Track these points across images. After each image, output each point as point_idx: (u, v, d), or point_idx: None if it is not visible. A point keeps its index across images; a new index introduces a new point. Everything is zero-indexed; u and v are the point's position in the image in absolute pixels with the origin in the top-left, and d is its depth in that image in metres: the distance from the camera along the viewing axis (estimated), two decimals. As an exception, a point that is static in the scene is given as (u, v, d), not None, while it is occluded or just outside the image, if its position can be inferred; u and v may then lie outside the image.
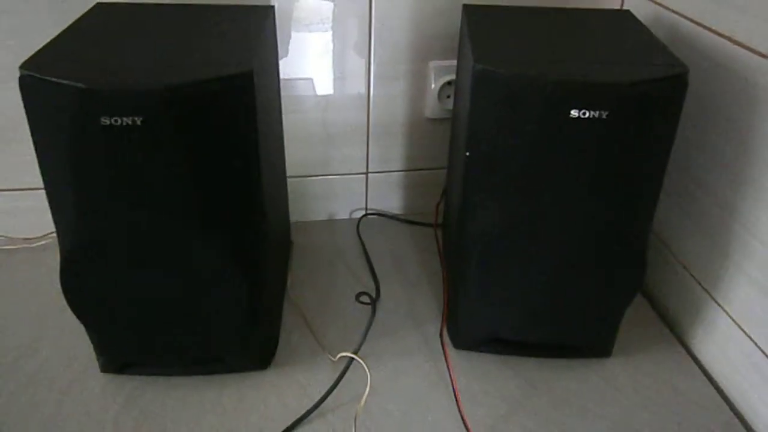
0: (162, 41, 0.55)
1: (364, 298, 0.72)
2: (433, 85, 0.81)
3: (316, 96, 0.80)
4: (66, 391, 0.62)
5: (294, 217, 0.86)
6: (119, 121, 0.47)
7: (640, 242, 0.57)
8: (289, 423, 0.59)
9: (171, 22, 0.60)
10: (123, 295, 0.56)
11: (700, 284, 0.69)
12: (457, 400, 0.60)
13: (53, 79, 0.46)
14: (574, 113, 0.50)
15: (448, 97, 0.82)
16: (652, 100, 0.51)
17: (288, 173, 0.81)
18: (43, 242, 0.82)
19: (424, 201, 0.91)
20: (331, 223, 0.90)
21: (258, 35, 0.57)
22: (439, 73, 0.80)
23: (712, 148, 0.65)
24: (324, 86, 0.80)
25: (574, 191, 0.54)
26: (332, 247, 0.85)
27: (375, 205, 0.91)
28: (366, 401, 0.60)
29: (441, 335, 0.69)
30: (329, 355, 0.66)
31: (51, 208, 0.52)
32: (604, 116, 0.50)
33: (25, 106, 0.48)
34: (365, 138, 0.84)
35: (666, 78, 0.51)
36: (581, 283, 0.60)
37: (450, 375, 0.63)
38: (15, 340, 0.67)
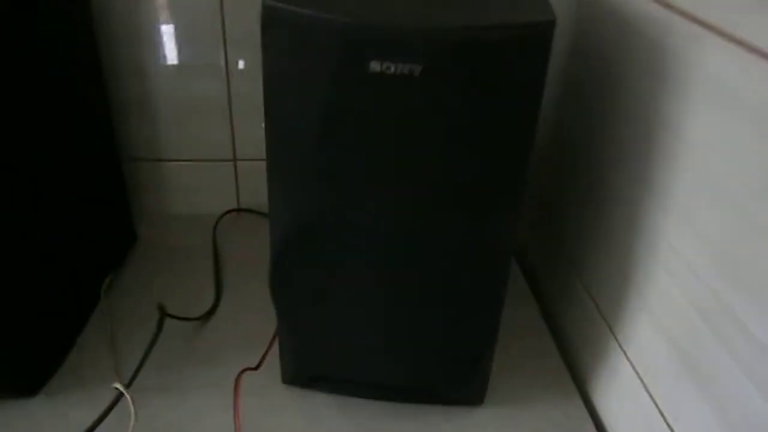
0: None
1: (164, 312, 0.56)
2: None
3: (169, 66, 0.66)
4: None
5: (147, 209, 0.72)
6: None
7: (495, 261, 0.42)
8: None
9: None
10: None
11: (603, 318, 0.53)
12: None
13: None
14: (374, 66, 0.35)
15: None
16: (488, 53, 0.36)
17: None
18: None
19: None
20: (190, 219, 0.75)
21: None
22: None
23: (617, 139, 0.50)
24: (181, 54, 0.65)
25: (391, 177, 0.39)
26: (183, 247, 0.70)
27: (246, 200, 0.76)
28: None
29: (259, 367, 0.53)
30: (118, 383, 0.51)
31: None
32: (416, 72, 0.35)
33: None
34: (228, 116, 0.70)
35: (507, 26, 0.36)
36: (420, 312, 0.44)
37: (235, 417, 0.47)
38: None
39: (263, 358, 0.53)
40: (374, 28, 0.35)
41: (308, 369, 0.51)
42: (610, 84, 0.52)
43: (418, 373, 0.49)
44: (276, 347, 0.51)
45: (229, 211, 0.75)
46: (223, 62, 0.66)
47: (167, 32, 0.65)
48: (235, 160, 0.73)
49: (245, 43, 0.66)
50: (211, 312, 0.60)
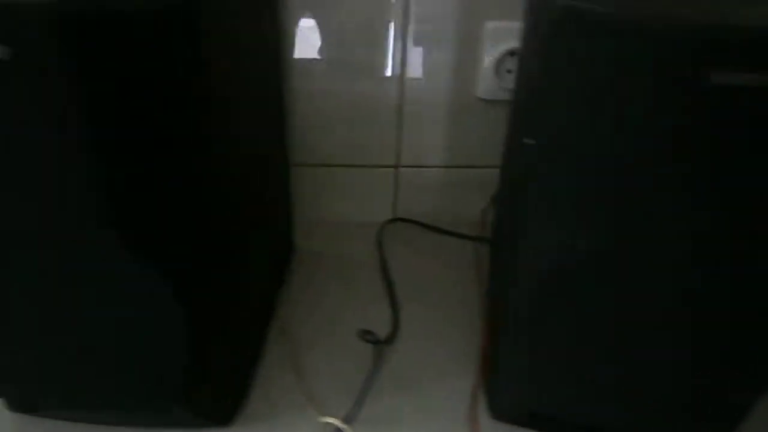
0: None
1: (371, 337, 0.52)
2: (488, 55, 0.61)
3: (332, 62, 0.61)
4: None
5: (301, 216, 0.68)
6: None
7: None
8: None
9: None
10: (23, 322, 0.39)
11: None
12: None
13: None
14: (715, 78, 0.30)
15: (509, 71, 0.62)
16: None
17: (296, 160, 0.63)
18: None
19: (464, 207, 0.71)
20: (346, 227, 0.71)
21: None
22: (498, 38, 0.60)
23: None
24: (343, 49, 0.61)
25: (700, 202, 0.34)
26: (345, 258, 0.66)
27: (404, 207, 0.71)
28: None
29: (475, 398, 0.49)
30: (317, 414, 0.48)
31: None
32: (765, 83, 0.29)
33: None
34: (396, 122, 0.65)
35: None
36: (696, 355, 0.39)
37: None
38: None
39: (476, 386, 0.48)
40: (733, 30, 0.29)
41: (527, 404, 0.46)
42: None
43: (665, 420, 0.43)
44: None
45: (392, 221, 0.70)
46: (396, 63, 0.62)
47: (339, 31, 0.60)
48: (397, 166, 0.68)
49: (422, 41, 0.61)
50: (393, 334, 0.56)
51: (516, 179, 0.41)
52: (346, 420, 0.43)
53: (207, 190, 0.37)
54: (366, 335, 0.51)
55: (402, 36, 0.60)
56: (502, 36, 0.60)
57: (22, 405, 0.46)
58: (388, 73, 0.62)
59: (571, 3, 0.32)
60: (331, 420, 0.44)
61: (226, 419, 0.47)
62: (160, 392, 0.42)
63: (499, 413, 0.48)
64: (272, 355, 0.54)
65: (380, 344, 0.50)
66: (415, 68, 0.62)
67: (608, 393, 0.42)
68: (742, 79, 0.29)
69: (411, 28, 0.60)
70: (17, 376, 0.42)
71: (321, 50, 0.61)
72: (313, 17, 0.59)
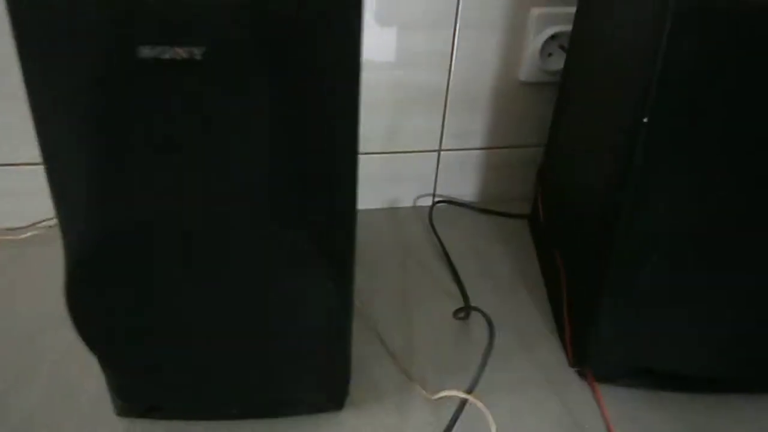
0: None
1: (462, 314, 0.55)
2: (533, 39, 0.64)
3: (382, 47, 0.62)
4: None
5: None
6: (168, 54, 0.29)
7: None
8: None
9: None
10: (155, 318, 0.39)
11: None
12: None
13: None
14: None
15: (550, 55, 0.65)
16: None
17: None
18: (29, 233, 0.64)
19: (504, 186, 0.74)
20: (393, 211, 0.73)
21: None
22: (543, 24, 0.63)
23: None
24: (393, 35, 0.62)
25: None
26: (399, 242, 0.68)
27: (444, 190, 0.74)
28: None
29: (578, 367, 0.52)
30: (424, 391, 0.50)
31: (53, 189, 0.35)
32: None
33: (15, 33, 0.30)
34: (442, 106, 0.67)
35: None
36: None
37: (604, 419, 0.47)
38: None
39: (568, 351, 0.52)
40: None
41: (626, 361, 0.50)
42: None
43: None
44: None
45: (438, 202, 0.73)
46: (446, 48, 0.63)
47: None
48: (440, 150, 0.70)
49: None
50: (467, 312, 0.58)
51: (612, 152, 0.45)
52: (470, 392, 0.46)
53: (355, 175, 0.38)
54: (458, 313, 0.53)
55: (453, 22, 0.62)
56: (546, 21, 0.63)
57: (133, 412, 0.46)
58: (440, 58, 0.64)
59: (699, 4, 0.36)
60: (454, 393, 0.46)
61: (340, 404, 0.49)
62: (299, 380, 0.43)
63: (595, 375, 0.51)
64: (356, 338, 0.55)
65: (490, 324, 0.52)
66: (463, 52, 0.64)
67: (718, 342, 0.46)
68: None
69: (461, 14, 0.62)
70: (156, 376, 0.42)
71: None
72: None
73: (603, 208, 0.47)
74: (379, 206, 0.73)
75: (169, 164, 0.33)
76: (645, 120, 0.40)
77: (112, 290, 0.37)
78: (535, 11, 0.62)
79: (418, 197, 0.73)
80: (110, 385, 0.44)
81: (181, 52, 0.29)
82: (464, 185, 0.73)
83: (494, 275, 0.63)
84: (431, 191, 0.73)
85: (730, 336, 0.46)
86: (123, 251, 0.35)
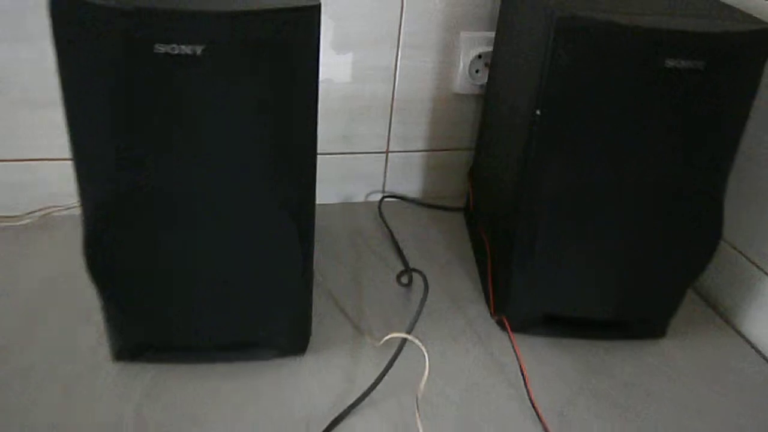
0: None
1: (405, 279, 0.66)
2: (463, 57, 0.77)
3: (338, 66, 0.74)
4: (74, 386, 0.53)
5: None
6: (176, 50, 0.40)
7: (718, 205, 0.54)
8: (338, 412, 0.52)
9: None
10: (159, 263, 0.48)
11: (750, 261, 0.66)
12: (526, 384, 0.55)
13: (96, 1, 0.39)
14: (669, 62, 0.47)
15: (477, 71, 0.78)
16: (741, 51, 0.48)
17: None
18: (28, 220, 0.72)
19: (442, 185, 0.86)
20: (348, 206, 0.84)
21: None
22: (470, 45, 0.76)
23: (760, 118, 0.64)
24: (346, 55, 0.74)
25: (657, 147, 0.51)
26: (353, 230, 0.79)
27: (392, 188, 0.85)
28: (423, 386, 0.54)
29: (498, 317, 0.64)
30: (370, 339, 0.60)
31: (75, 158, 0.44)
32: (700, 67, 0.47)
33: (54, 34, 0.40)
34: (388, 114, 0.79)
35: (754, 32, 0.49)
36: (656, 251, 0.56)
37: (517, 357, 0.58)
38: (2, 330, 0.58)
39: (492, 307, 0.64)
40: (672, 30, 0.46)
41: (533, 312, 0.62)
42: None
43: (635, 305, 0.60)
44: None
45: (386, 197, 0.84)
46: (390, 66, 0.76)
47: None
48: (387, 152, 0.82)
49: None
50: (409, 280, 0.69)
51: (517, 140, 0.57)
52: (409, 333, 0.56)
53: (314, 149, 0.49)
54: (401, 277, 0.64)
55: (396, 43, 0.74)
56: (473, 43, 0.76)
57: (128, 353, 0.55)
58: (385, 73, 0.76)
59: (571, 14, 0.48)
60: (395, 335, 0.56)
61: (302, 349, 0.59)
62: (267, 324, 0.53)
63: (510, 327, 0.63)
64: (315, 301, 0.65)
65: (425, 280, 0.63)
66: (405, 69, 0.76)
67: (597, 289, 0.59)
68: (683, 63, 0.47)
69: (402, 37, 0.74)
70: (154, 319, 0.51)
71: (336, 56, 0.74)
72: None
73: (511, 186, 0.59)
74: (336, 201, 0.84)
75: (174, 136, 0.43)
76: (538, 112, 0.53)
77: (120, 240, 0.47)
78: (464, 34, 0.76)
79: (370, 193, 0.85)
80: (109, 330, 0.53)
81: (185, 49, 0.40)
82: (409, 183, 0.85)
83: (433, 254, 0.75)
84: (381, 188, 0.85)
85: (608, 283, 0.58)
86: (131, 208, 0.45)
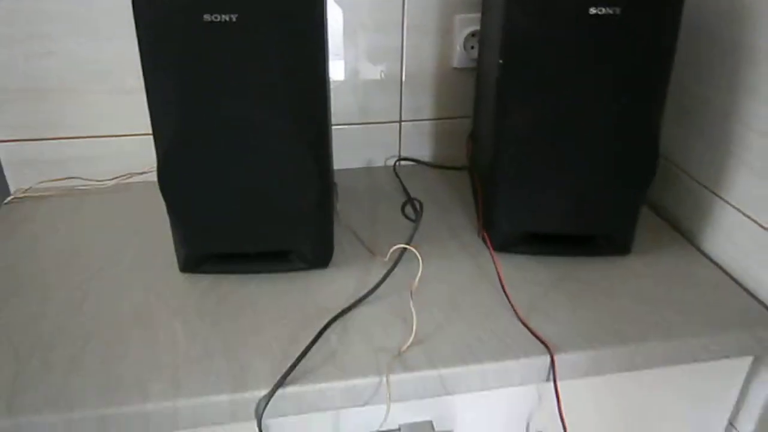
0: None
1: (408, 210, 0.81)
2: (458, 36, 0.91)
3: (352, 47, 0.91)
4: (151, 288, 0.70)
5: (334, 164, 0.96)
6: (218, 18, 0.57)
7: (654, 130, 0.67)
8: (350, 302, 0.67)
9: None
10: (213, 184, 0.65)
11: (704, 186, 0.77)
12: (500, 279, 0.69)
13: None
14: (592, 10, 0.60)
15: (472, 47, 0.92)
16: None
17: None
18: (112, 183, 0.91)
19: (449, 150, 1.00)
20: (369, 170, 0.99)
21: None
22: (464, 25, 0.91)
23: (706, 63, 0.75)
24: (360, 39, 0.90)
25: (599, 83, 0.64)
26: (372, 187, 0.94)
27: (406, 153, 1.00)
28: (418, 283, 0.68)
29: (483, 237, 0.77)
30: (379, 256, 0.75)
31: (152, 107, 0.62)
32: (618, 12, 0.60)
33: (134, 8, 0.58)
34: (399, 88, 0.94)
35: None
36: (606, 172, 0.69)
37: (493, 260, 0.71)
38: (98, 256, 0.76)
39: (480, 230, 0.77)
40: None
41: (514, 231, 0.75)
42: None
43: (597, 219, 0.73)
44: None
45: (401, 160, 0.99)
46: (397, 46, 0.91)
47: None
48: (400, 121, 0.97)
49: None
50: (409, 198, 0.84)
51: (490, 101, 0.71)
52: (408, 244, 0.71)
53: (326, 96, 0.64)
54: (404, 207, 0.79)
55: (401, 27, 0.90)
56: (466, 23, 0.91)
57: (191, 265, 0.72)
58: (394, 53, 0.92)
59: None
60: (397, 246, 0.71)
61: (325, 263, 0.74)
62: (296, 236, 0.69)
63: (496, 246, 0.76)
64: (337, 234, 0.80)
65: (420, 207, 0.77)
66: (411, 48, 0.92)
67: (563, 207, 0.71)
68: (603, 10, 0.60)
69: (406, 21, 0.90)
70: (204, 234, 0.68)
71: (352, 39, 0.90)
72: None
73: (491, 130, 0.73)
74: (358, 166, 0.99)
75: (220, 82, 0.60)
76: (501, 61, 0.67)
77: (184, 165, 0.63)
78: (458, 17, 0.91)
79: (387, 158, 1.00)
80: (176, 244, 0.70)
81: (224, 17, 0.57)
82: (421, 148, 1.00)
83: (439, 202, 0.89)
84: (397, 153, 1.00)
85: (573, 201, 0.71)
86: (191, 140, 0.62)
